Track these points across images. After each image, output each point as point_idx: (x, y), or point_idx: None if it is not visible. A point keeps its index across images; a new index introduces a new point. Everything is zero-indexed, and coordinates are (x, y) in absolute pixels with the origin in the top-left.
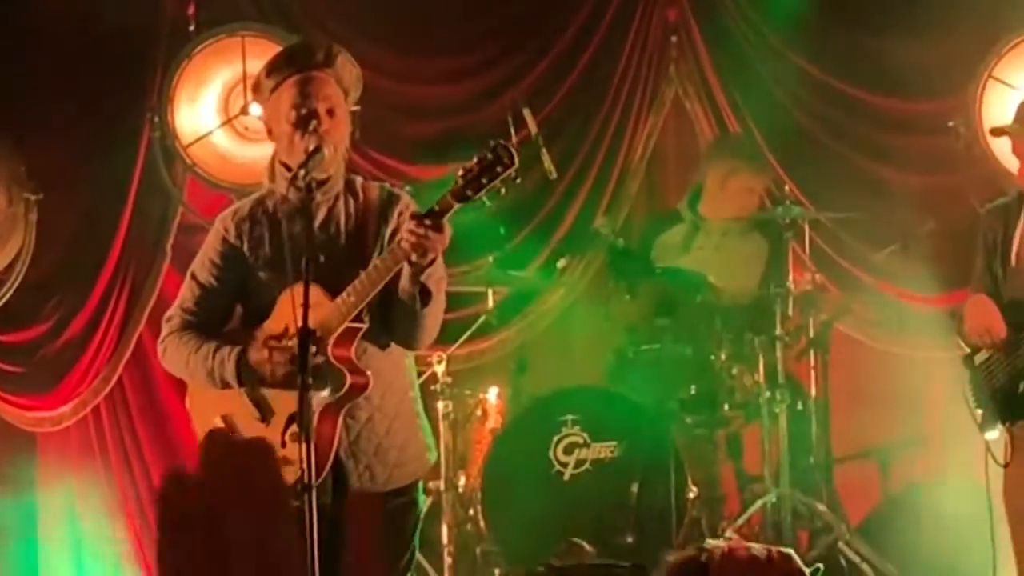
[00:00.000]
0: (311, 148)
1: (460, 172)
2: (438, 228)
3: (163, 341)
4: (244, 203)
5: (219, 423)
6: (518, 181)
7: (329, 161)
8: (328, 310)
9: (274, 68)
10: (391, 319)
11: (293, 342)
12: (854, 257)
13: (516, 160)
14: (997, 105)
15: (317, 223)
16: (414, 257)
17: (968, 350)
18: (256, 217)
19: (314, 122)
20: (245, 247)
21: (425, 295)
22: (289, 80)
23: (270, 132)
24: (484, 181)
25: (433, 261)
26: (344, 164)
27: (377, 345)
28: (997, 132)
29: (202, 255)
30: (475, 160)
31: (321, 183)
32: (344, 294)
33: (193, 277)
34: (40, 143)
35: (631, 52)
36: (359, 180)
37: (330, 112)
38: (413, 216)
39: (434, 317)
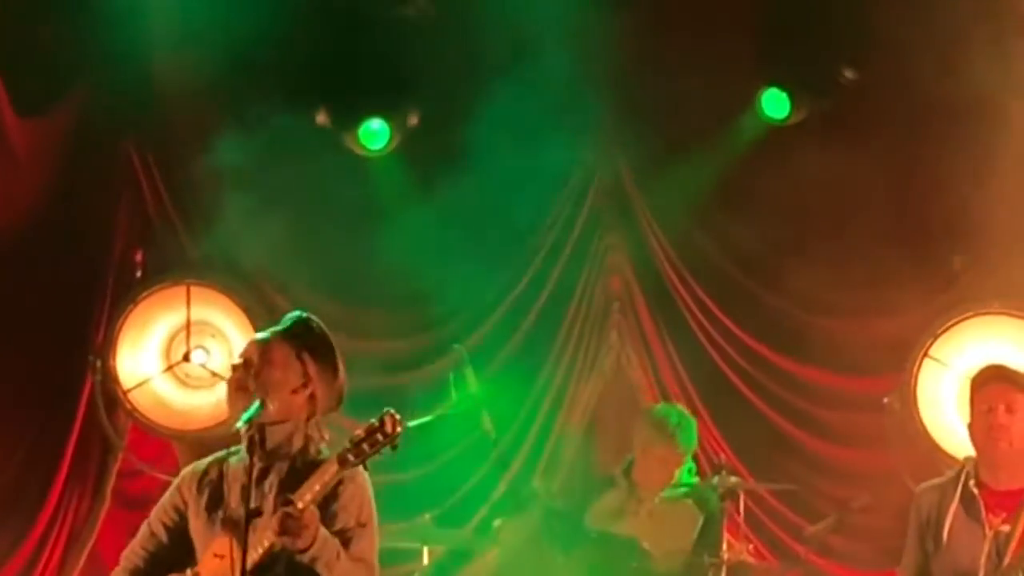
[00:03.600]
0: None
1: (349, 438)
2: (297, 516)
3: None
4: (205, 460)
5: None
6: (396, 451)
7: (265, 414)
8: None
9: None
10: None
11: None
12: (789, 528)
13: (398, 430)
14: (932, 383)
15: (254, 479)
16: (285, 542)
17: None
18: (210, 472)
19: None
20: (191, 499)
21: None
22: None
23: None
24: (365, 448)
25: (307, 549)
26: (301, 427)
27: None
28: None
29: (162, 501)
30: (363, 428)
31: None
32: (250, 547)
33: (148, 523)
34: None
35: (573, 318)
36: (318, 449)
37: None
38: (282, 503)
39: None
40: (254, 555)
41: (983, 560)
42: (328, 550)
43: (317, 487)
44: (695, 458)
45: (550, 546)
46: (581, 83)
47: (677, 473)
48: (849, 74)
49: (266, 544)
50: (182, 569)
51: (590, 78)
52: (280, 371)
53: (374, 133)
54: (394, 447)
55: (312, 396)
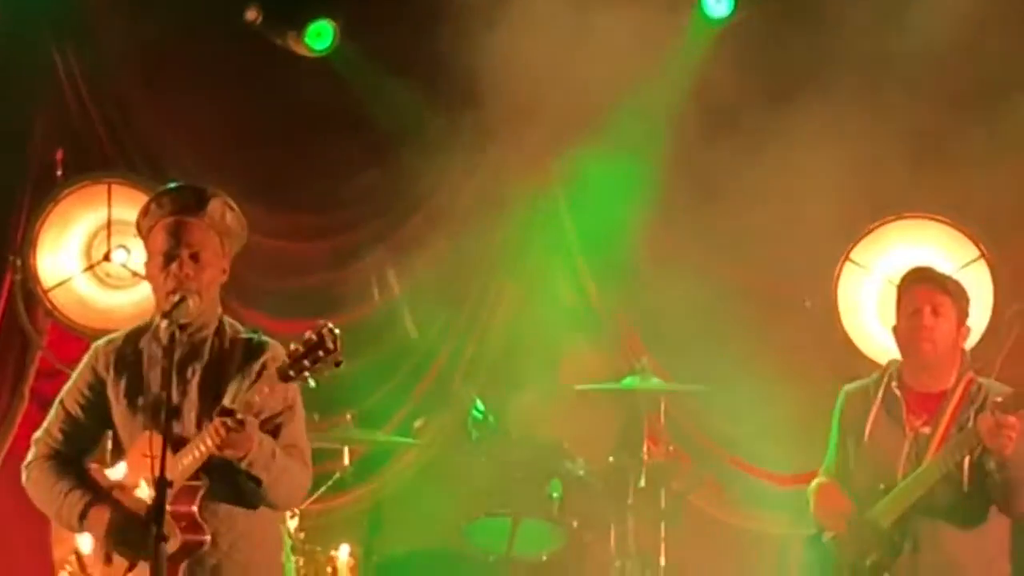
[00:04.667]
0: (170, 292)
1: (287, 352)
2: (238, 429)
3: (28, 466)
4: (120, 335)
5: (72, 559)
6: (340, 367)
7: (194, 307)
8: (169, 465)
9: (148, 211)
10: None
11: (138, 494)
12: (709, 431)
13: (339, 347)
14: (853, 287)
15: (175, 365)
16: (224, 453)
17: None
18: (126, 352)
19: (173, 266)
20: (110, 380)
21: (255, 479)
22: (161, 223)
23: (147, 273)
24: (306, 364)
25: (244, 457)
26: (216, 308)
27: (241, 505)
28: (924, 283)
29: (72, 381)
30: (301, 341)
31: (183, 326)
32: (181, 454)
33: (61, 403)
34: None
35: (496, 219)
36: (232, 326)
37: (194, 257)
38: (219, 413)
39: (281, 490)
40: (188, 460)
41: (902, 461)
42: (264, 452)
43: (248, 400)
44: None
45: (471, 447)
46: None
47: (595, 371)
48: None
49: (198, 454)
50: (95, 447)
51: None
52: (216, 265)
53: (319, 34)
54: (337, 364)
55: (224, 276)
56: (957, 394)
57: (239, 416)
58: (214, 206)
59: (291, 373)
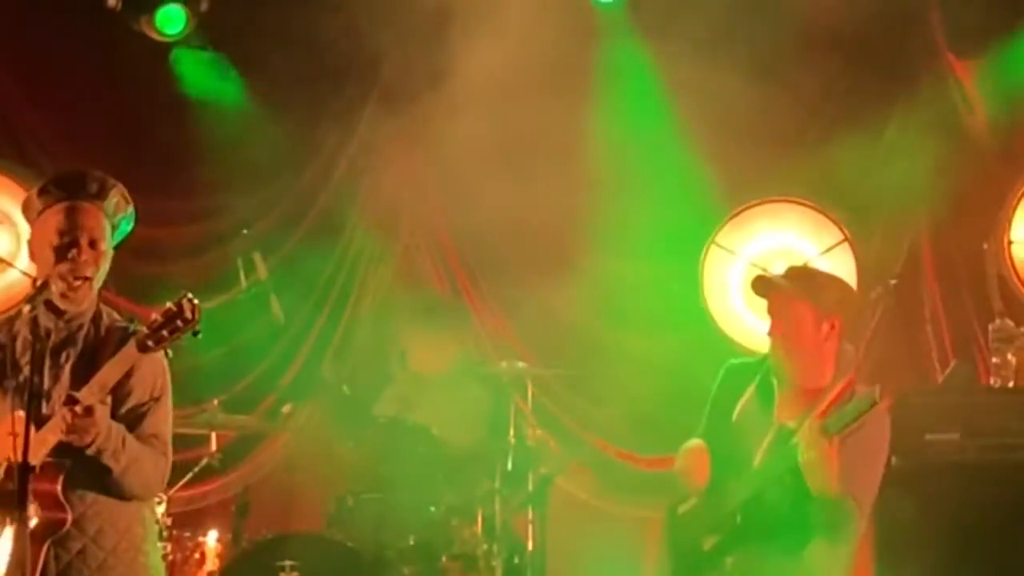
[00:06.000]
0: (64, 276)
1: (147, 322)
2: (87, 414)
3: None
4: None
5: None
6: (199, 336)
7: (83, 293)
8: (32, 443)
9: (45, 191)
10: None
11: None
12: (575, 414)
13: (197, 315)
14: (719, 270)
15: (49, 349)
16: (70, 440)
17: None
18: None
19: (73, 251)
20: None
21: (105, 468)
22: (57, 206)
23: (32, 254)
24: (165, 334)
25: (92, 443)
26: (96, 297)
27: (106, 493)
28: (759, 287)
29: None
30: (160, 312)
31: (59, 312)
32: (44, 429)
33: None
34: None
35: (363, 205)
36: (109, 315)
37: (92, 244)
38: (66, 401)
39: (133, 480)
40: (43, 448)
41: (762, 450)
42: (112, 440)
43: (110, 378)
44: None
45: (339, 433)
46: None
47: (455, 358)
48: None
49: (52, 440)
50: None
51: None
52: (107, 254)
53: (170, 18)
54: (195, 333)
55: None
56: (830, 394)
57: (86, 403)
58: (113, 195)
59: (149, 343)
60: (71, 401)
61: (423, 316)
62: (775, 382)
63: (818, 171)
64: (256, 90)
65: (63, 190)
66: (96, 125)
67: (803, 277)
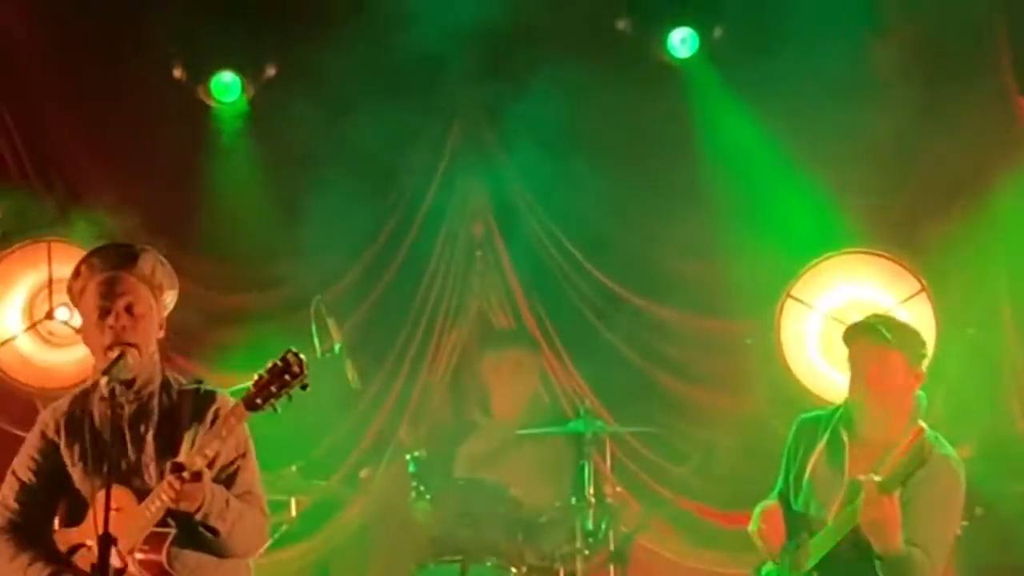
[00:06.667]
0: (108, 346)
1: (253, 380)
2: (196, 479)
3: None
4: (66, 399)
5: None
6: (307, 390)
7: (135, 362)
8: (133, 515)
9: (79, 273)
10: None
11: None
12: (654, 471)
13: (305, 370)
14: (795, 324)
15: (126, 422)
16: (179, 507)
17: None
18: (75, 414)
19: (110, 319)
20: (62, 443)
21: (212, 529)
22: (92, 282)
23: (84, 335)
24: (273, 390)
25: (200, 508)
26: (158, 363)
27: (209, 553)
28: (855, 335)
29: (23, 450)
30: (266, 369)
31: (129, 383)
32: (147, 500)
33: (14, 473)
34: None
35: (436, 265)
36: (176, 379)
37: (129, 309)
38: (172, 469)
39: (238, 539)
40: (146, 520)
41: (834, 507)
42: (217, 502)
43: (208, 450)
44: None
45: (417, 496)
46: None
47: (532, 393)
48: None
49: (159, 505)
50: (54, 512)
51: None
52: (152, 319)
53: (226, 86)
54: (304, 387)
55: (160, 331)
56: (900, 447)
57: (192, 469)
58: (144, 260)
59: (258, 401)
60: (177, 468)
61: (504, 347)
62: (845, 435)
63: (893, 220)
64: (326, 154)
65: (93, 268)
66: (167, 190)
67: (895, 326)
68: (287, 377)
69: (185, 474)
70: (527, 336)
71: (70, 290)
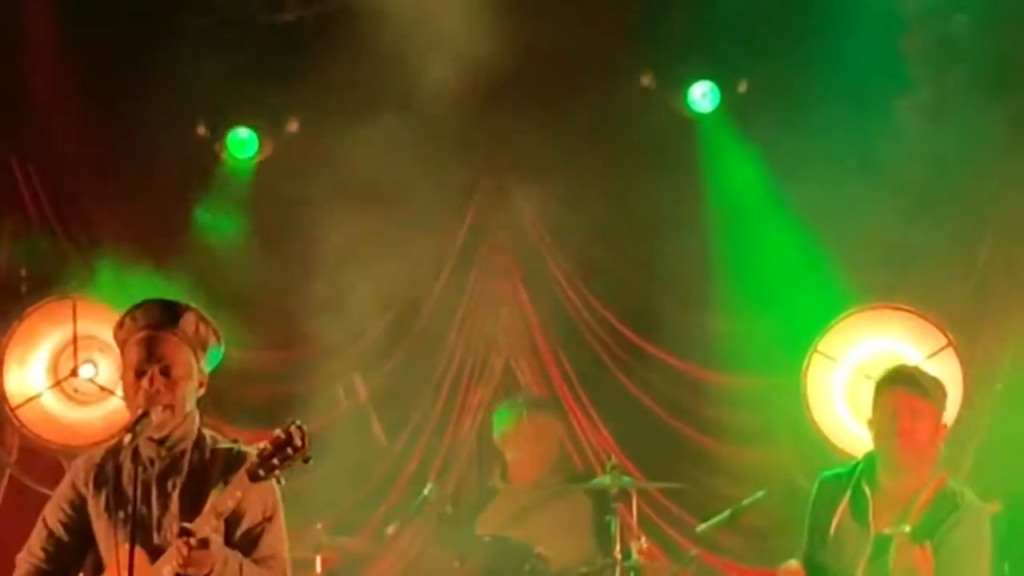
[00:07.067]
0: (139, 407)
1: (257, 450)
2: (203, 546)
3: None
4: (99, 450)
5: None
6: (309, 463)
7: (164, 421)
8: (147, 574)
9: (123, 324)
10: None
11: None
12: (681, 527)
13: (307, 443)
14: (821, 379)
15: (155, 478)
16: (188, 572)
17: None
18: (105, 467)
19: (144, 381)
20: (90, 496)
21: None
22: (134, 337)
23: (123, 387)
24: (275, 463)
25: (209, 574)
26: (195, 421)
27: None
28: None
29: (54, 498)
30: (270, 441)
31: (161, 440)
32: (160, 561)
33: (43, 520)
34: None
35: (462, 323)
36: (213, 438)
37: (165, 371)
38: (180, 533)
39: None
40: (165, 572)
41: (863, 563)
42: (229, 569)
43: (223, 506)
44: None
45: (443, 553)
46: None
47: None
48: None
49: (169, 569)
50: (83, 565)
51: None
52: (190, 378)
53: (242, 142)
54: (306, 460)
55: (201, 389)
56: (923, 495)
57: (199, 535)
58: (187, 320)
59: (261, 472)
60: (185, 533)
61: (522, 414)
62: (867, 489)
63: (919, 278)
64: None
65: (136, 322)
66: (191, 251)
67: (928, 378)
68: (289, 451)
69: (192, 540)
70: (547, 400)
71: (115, 338)
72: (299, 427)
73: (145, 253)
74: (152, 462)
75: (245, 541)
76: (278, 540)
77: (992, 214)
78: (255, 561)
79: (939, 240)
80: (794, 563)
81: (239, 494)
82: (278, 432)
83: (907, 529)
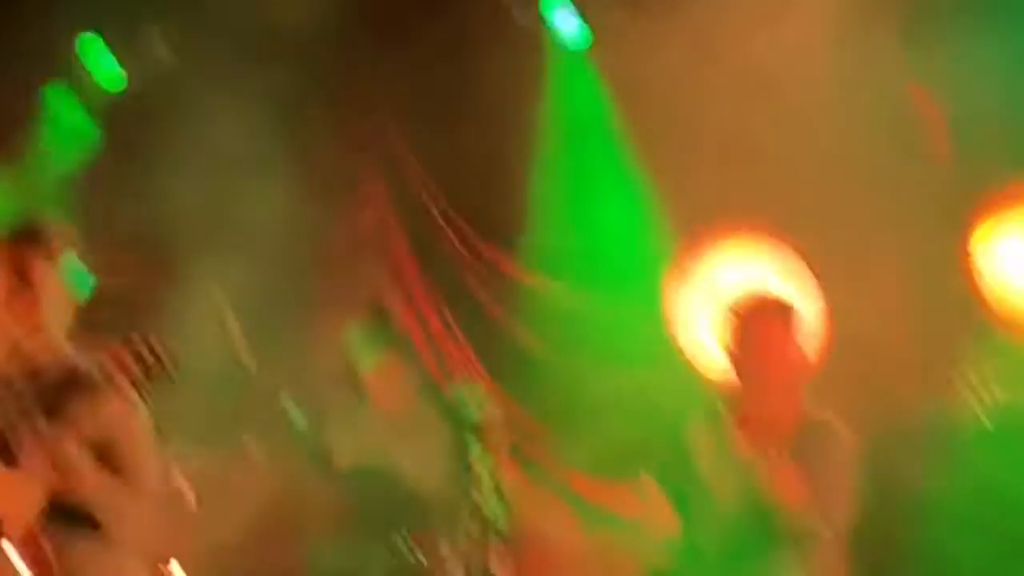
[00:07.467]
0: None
1: (113, 368)
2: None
3: None
4: None
5: None
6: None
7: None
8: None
9: None
10: None
11: None
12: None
13: (167, 358)
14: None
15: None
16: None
17: None
18: None
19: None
20: None
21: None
22: None
23: None
24: (138, 378)
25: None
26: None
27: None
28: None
29: None
30: (128, 355)
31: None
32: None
33: None
34: None
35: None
36: (74, 355)
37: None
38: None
39: (123, 529)
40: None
41: (732, 490)
42: (104, 486)
43: (84, 428)
44: None
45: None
46: None
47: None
48: None
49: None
50: None
51: None
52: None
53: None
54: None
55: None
56: (787, 420)
57: (67, 449)
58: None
59: (122, 389)
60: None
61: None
62: (730, 418)
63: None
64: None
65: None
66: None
67: (782, 303)
68: (150, 366)
69: (58, 451)
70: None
71: None
72: (160, 341)
73: None
74: (13, 382)
75: (114, 459)
76: (146, 456)
77: None
78: (125, 479)
79: None
80: (648, 476)
81: (101, 411)
82: (138, 347)
83: (774, 455)
